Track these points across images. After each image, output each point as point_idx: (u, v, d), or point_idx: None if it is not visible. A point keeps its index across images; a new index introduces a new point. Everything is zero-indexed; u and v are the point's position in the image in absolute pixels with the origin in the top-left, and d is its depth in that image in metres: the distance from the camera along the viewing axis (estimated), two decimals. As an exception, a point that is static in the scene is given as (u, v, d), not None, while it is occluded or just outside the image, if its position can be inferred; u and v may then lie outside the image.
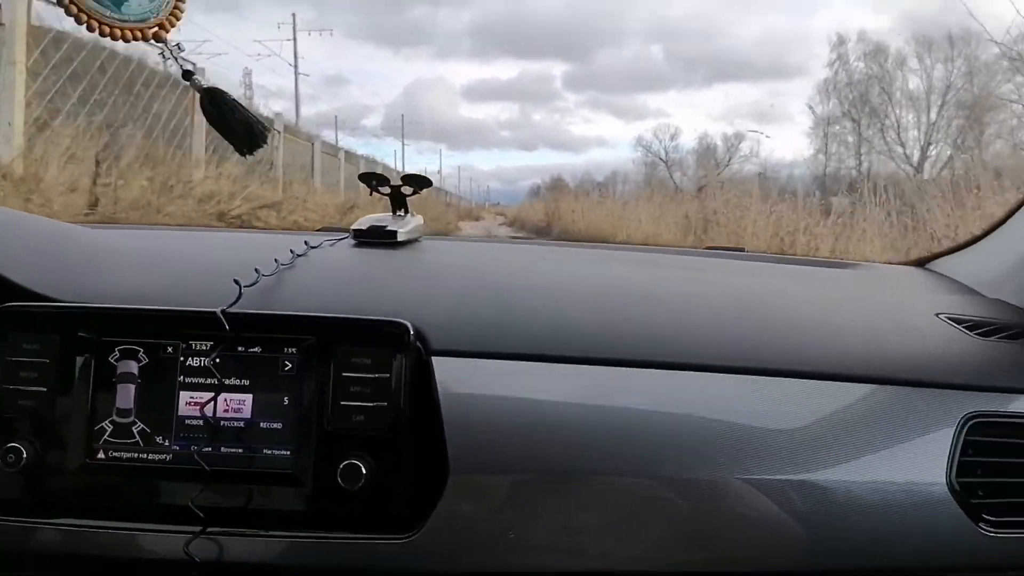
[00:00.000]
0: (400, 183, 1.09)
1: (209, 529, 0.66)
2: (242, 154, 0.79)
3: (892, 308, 0.94)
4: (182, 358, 0.69)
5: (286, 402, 0.69)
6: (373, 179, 1.10)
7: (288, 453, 0.68)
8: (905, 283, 1.12)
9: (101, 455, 0.68)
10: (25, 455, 0.66)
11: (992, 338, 0.87)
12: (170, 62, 0.73)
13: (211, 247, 1.02)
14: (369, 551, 0.66)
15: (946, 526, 0.71)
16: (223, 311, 0.68)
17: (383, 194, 1.10)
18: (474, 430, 0.67)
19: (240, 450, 0.68)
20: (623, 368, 0.73)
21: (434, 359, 0.71)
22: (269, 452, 0.68)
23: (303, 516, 0.67)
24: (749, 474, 0.69)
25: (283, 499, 0.67)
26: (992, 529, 0.72)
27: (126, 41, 0.71)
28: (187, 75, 0.75)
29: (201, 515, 0.65)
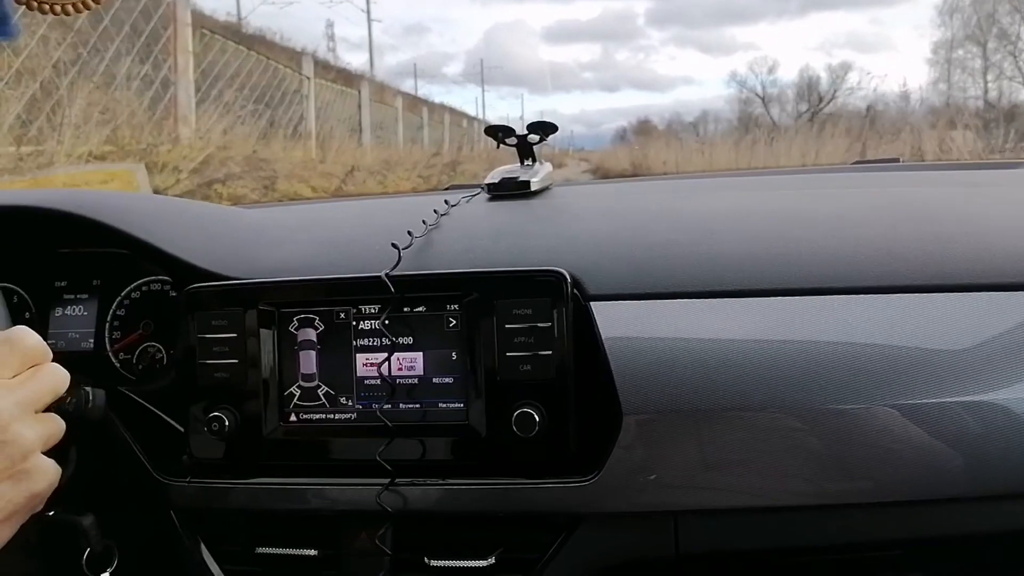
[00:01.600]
0: (526, 132, 1.09)
1: (397, 480, 0.70)
2: None
3: None
4: (354, 322, 0.73)
5: (455, 357, 0.71)
6: (499, 131, 1.10)
7: (462, 406, 0.71)
8: None
9: (293, 418, 0.74)
10: (227, 423, 0.72)
11: None
12: None
13: (356, 216, 1.06)
14: (553, 496, 0.68)
15: None
16: (387, 275, 0.71)
17: (510, 145, 1.11)
18: (641, 371, 0.67)
19: (417, 405, 0.71)
20: (780, 298, 0.71)
21: (592, 304, 0.71)
22: (444, 406, 0.71)
23: (482, 465, 0.70)
24: (913, 398, 0.65)
25: (461, 450, 0.70)
26: None
27: (67, 14, 0.64)
28: None
29: (389, 468, 0.69)
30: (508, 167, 1.10)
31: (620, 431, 0.66)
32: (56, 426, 0.59)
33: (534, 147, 1.10)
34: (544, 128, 1.09)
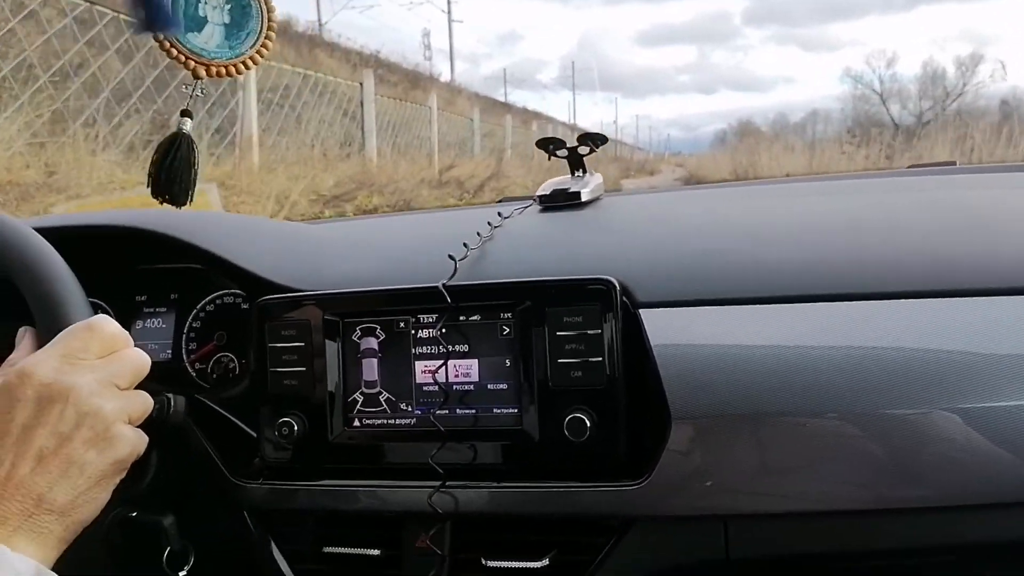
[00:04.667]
0: (576, 144, 1.11)
1: (448, 483, 0.72)
2: (154, 196, 0.78)
3: None
4: (413, 331, 0.76)
5: (508, 364, 0.74)
6: (550, 144, 1.13)
7: (515, 411, 0.73)
8: None
9: (356, 423, 0.78)
10: (296, 428, 0.77)
11: None
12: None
13: (413, 229, 1.10)
14: (604, 499, 0.69)
15: None
16: (444, 285, 0.74)
17: (560, 157, 1.13)
18: (690, 377, 0.68)
19: (473, 411, 0.74)
20: (830, 304, 0.71)
21: (641, 311, 0.73)
22: (499, 411, 0.74)
23: (534, 469, 0.73)
24: (969, 402, 0.65)
25: (514, 454, 0.73)
26: None
27: (220, 77, 0.74)
28: (184, 112, 0.77)
29: (441, 471, 0.72)
30: (559, 179, 1.13)
31: (669, 435, 0.67)
32: (141, 401, 0.65)
33: (584, 158, 1.13)
34: (594, 140, 1.11)
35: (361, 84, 10.24)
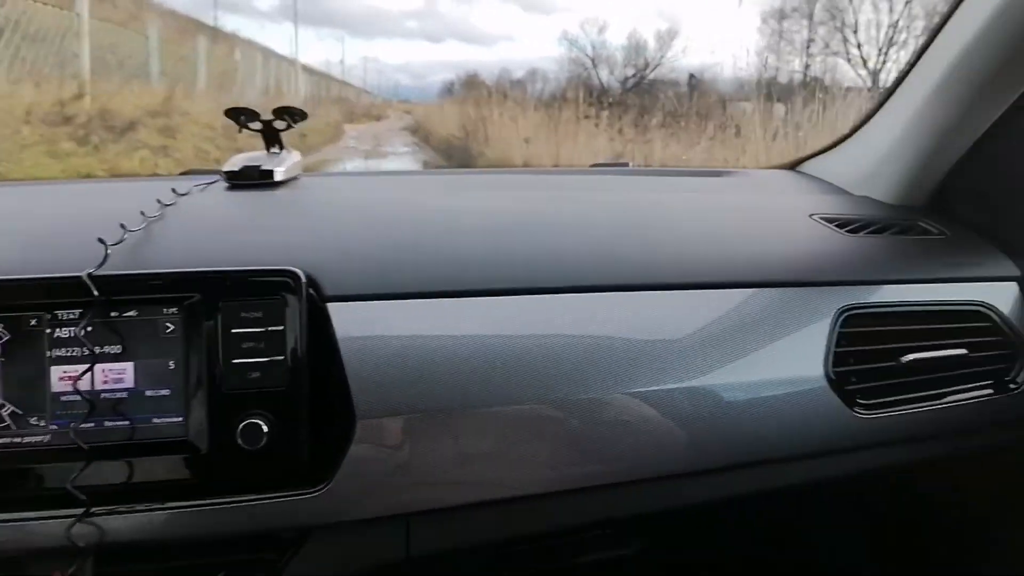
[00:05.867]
0: (272, 117, 1.02)
1: (95, 509, 0.62)
2: None
3: (768, 213, 0.98)
4: (48, 330, 0.63)
5: (172, 367, 0.64)
6: (241, 114, 1.03)
7: (180, 420, 0.64)
8: (779, 187, 1.17)
9: (-34, 444, 0.62)
10: None
11: (860, 234, 0.93)
12: None
13: (69, 202, 0.92)
14: (280, 510, 0.64)
15: (825, 414, 0.77)
16: (90, 274, 0.62)
17: (253, 130, 1.03)
18: (377, 374, 0.66)
19: (127, 422, 0.64)
20: (517, 297, 0.74)
21: (329, 305, 0.68)
22: (159, 421, 0.64)
23: (201, 484, 0.64)
24: (640, 387, 0.72)
25: (178, 469, 0.64)
26: (865, 412, 0.79)
27: None
28: None
29: (83, 497, 0.61)
30: (251, 154, 1.03)
31: (354, 437, 0.64)
32: None
33: (280, 133, 1.05)
34: (292, 114, 1.03)
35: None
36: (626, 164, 1.30)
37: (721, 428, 0.75)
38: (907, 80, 1.00)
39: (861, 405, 0.79)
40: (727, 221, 0.94)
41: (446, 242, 0.79)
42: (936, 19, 0.94)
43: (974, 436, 0.89)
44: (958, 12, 0.89)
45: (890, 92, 1.04)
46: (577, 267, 0.78)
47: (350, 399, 0.64)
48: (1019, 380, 0.87)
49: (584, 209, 0.93)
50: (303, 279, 0.66)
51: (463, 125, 13.34)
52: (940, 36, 0.92)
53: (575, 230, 0.86)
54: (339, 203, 0.90)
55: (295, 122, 1.04)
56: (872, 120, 1.09)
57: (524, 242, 0.81)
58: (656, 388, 0.72)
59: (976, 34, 0.86)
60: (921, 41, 0.98)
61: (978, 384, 0.86)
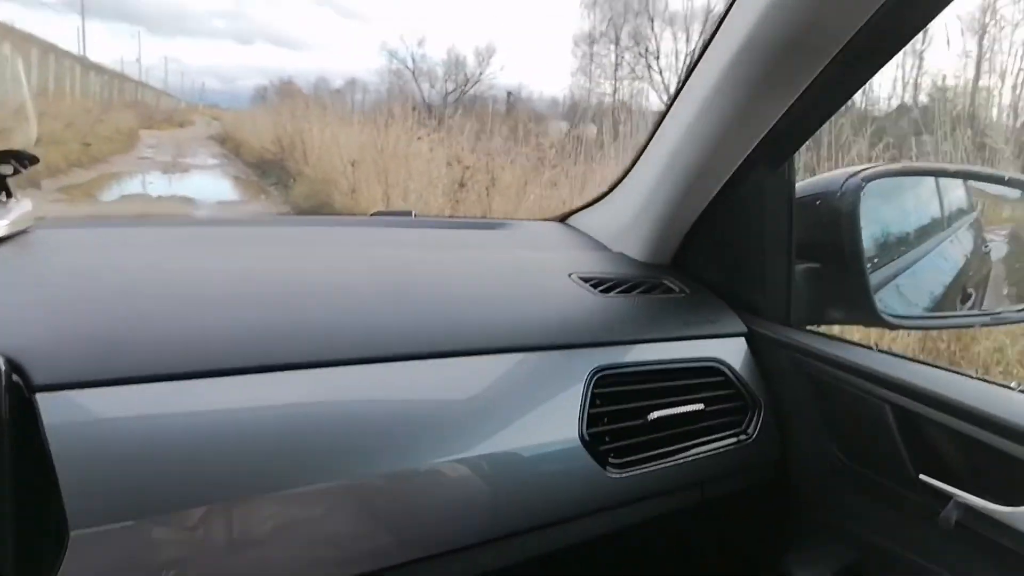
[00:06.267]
0: (-8, 161, 0.89)
1: None
2: None
3: (532, 273, 1.02)
4: None
5: None
6: (-49, 158, 0.89)
7: None
8: (547, 242, 1.22)
9: None
10: None
11: (612, 293, 0.99)
12: None
13: None
14: None
15: (581, 475, 0.81)
16: None
17: (-35, 176, 0.90)
18: (96, 474, 0.58)
19: None
20: (266, 375, 0.69)
21: (38, 396, 0.60)
22: None
23: None
24: (405, 463, 0.70)
25: None
26: (617, 471, 0.83)
27: None
28: None
29: None
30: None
31: (65, 551, 0.56)
32: None
33: (7, 179, 0.92)
34: (19, 158, 0.91)
35: None
36: (409, 213, 1.30)
37: (493, 497, 0.75)
38: (654, 138, 1.06)
39: (613, 464, 0.83)
40: (494, 282, 0.97)
41: (187, 315, 0.72)
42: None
43: (720, 482, 0.97)
44: (688, 84, 0.96)
45: (643, 149, 1.10)
46: (339, 337, 0.75)
47: (63, 508, 0.57)
48: (750, 431, 0.97)
49: (354, 272, 0.91)
50: (3, 366, 0.58)
51: (279, 139, 12.23)
52: (676, 102, 1.00)
53: (340, 298, 0.83)
54: (66, 266, 0.79)
55: (25, 167, 0.92)
56: (628, 176, 1.15)
57: (277, 314, 0.77)
58: (415, 467, 0.71)
59: (702, 103, 0.93)
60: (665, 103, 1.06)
61: (718, 436, 0.94)
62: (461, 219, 1.35)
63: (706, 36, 0.91)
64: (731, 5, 0.85)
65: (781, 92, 0.88)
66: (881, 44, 0.82)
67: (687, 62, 0.95)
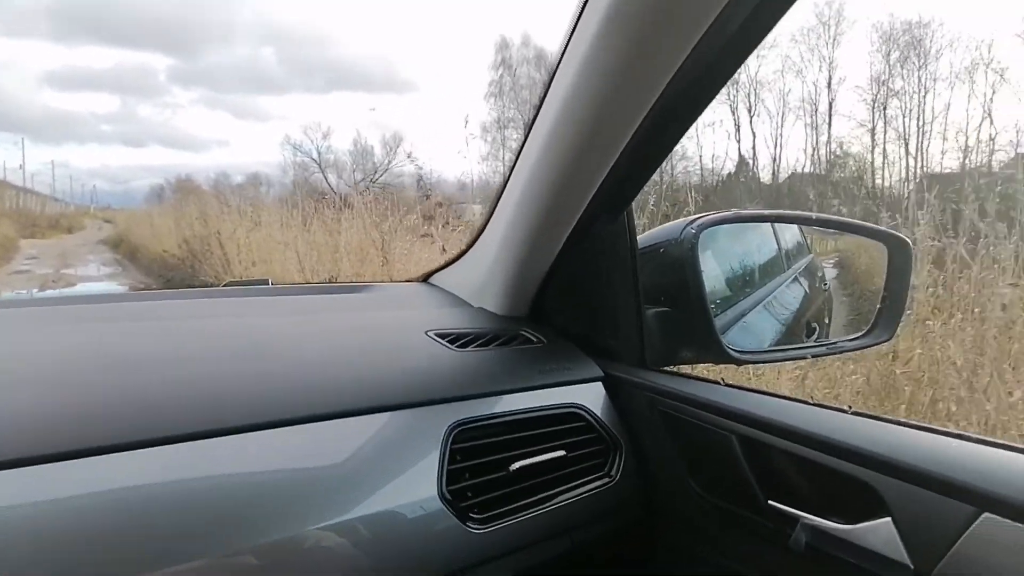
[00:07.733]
0: None
1: None
2: None
3: (389, 332, 1.01)
4: None
5: None
6: None
7: None
8: (407, 302, 1.22)
9: None
10: None
11: (469, 348, 1.00)
12: None
13: None
14: None
15: (443, 535, 0.79)
16: None
17: None
18: None
19: None
20: (99, 458, 0.65)
21: None
22: None
23: None
24: (266, 537, 0.67)
25: None
26: (479, 526, 0.82)
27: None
28: None
29: None
30: None
31: None
32: None
33: None
34: None
35: None
36: (266, 282, 1.27)
37: (356, 562, 0.72)
38: (504, 194, 1.09)
39: (475, 520, 0.82)
40: (349, 344, 0.95)
41: (12, 399, 0.67)
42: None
43: (589, 528, 0.97)
44: (527, 142, 0.99)
45: (495, 205, 1.12)
46: (181, 414, 0.71)
47: None
48: (613, 473, 0.98)
49: (203, 343, 0.87)
50: None
51: (184, 240, 10.38)
52: (519, 159, 1.02)
53: (185, 370, 0.79)
54: None
55: None
56: (483, 232, 1.18)
57: (114, 393, 0.73)
58: (292, 532, 0.69)
59: (538, 159, 0.97)
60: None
61: (582, 480, 0.95)
62: (319, 284, 1.33)
63: (541, 95, 0.95)
64: (554, 71, 0.90)
65: (605, 149, 0.93)
66: (694, 94, 0.89)
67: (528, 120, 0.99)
